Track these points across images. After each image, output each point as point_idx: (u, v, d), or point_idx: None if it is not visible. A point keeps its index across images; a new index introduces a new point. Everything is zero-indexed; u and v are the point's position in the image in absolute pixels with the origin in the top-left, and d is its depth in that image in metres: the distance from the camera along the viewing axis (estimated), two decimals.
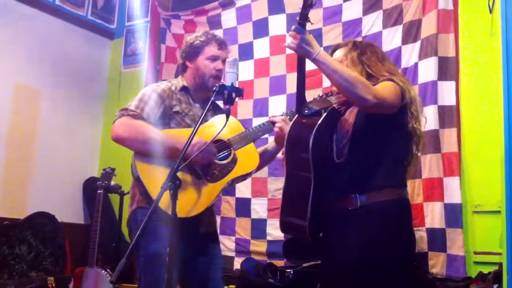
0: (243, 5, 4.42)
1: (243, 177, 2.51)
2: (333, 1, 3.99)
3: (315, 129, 2.03)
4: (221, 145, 2.44)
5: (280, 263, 3.71)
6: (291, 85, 3.98)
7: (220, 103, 2.33)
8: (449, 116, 3.32)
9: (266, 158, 2.60)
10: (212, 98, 2.15)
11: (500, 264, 2.73)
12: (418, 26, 3.53)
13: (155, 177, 2.27)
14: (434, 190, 3.27)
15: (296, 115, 2.16)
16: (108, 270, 3.73)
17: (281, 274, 3.41)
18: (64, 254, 4.46)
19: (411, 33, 3.56)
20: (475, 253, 3.14)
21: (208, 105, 2.11)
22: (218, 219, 3.52)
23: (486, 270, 2.97)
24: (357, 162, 2.11)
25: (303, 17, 1.97)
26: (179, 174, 1.95)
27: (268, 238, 3.96)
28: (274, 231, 3.90)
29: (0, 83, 4.41)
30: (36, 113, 4.72)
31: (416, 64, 3.49)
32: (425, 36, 3.45)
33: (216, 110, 2.62)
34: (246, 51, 4.33)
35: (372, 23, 3.78)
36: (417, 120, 2.15)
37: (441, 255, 3.17)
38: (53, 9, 4.89)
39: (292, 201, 2.12)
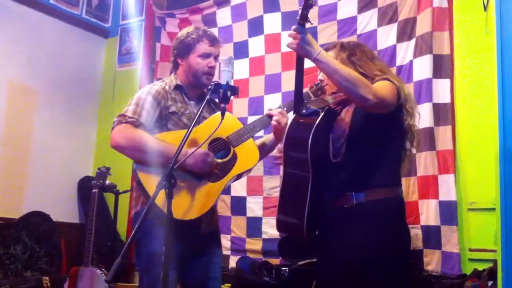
0: (238, 4, 4.41)
1: (246, 173, 2.52)
2: None
3: (313, 129, 2.03)
4: (220, 143, 2.44)
5: (275, 261, 3.71)
6: (287, 83, 3.98)
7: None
8: (444, 114, 3.33)
9: (265, 152, 2.61)
10: (208, 97, 2.15)
11: (495, 261, 2.75)
12: (413, 24, 3.53)
13: (155, 181, 2.28)
14: (429, 187, 3.28)
15: (294, 115, 2.16)
16: (103, 269, 3.73)
17: (276, 272, 3.41)
18: (59, 254, 4.44)
19: (406, 31, 3.57)
20: (470, 250, 3.15)
21: (202, 106, 2.11)
22: None
23: (481, 267, 2.98)
24: (354, 161, 2.11)
25: (303, 17, 1.97)
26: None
27: (264, 236, 3.96)
28: (270, 230, 3.90)
29: None
30: (31, 112, 4.71)
31: (411, 62, 3.49)
32: (420, 34, 3.46)
33: (212, 106, 2.62)
34: (241, 50, 4.33)
35: (367, 21, 3.78)
36: (412, 117, 2.17)
37: (436, 252, 3.18)
38: (48, 8, 4.88)
39: (289, 201, 2.12)
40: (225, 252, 4.03)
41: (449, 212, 3.18)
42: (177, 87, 2.53)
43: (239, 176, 2.50)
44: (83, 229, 4.42)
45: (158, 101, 2.44)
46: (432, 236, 3.21)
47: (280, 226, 2.19)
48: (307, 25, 1.99)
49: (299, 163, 2.05)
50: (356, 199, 2.08)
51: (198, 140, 2.32)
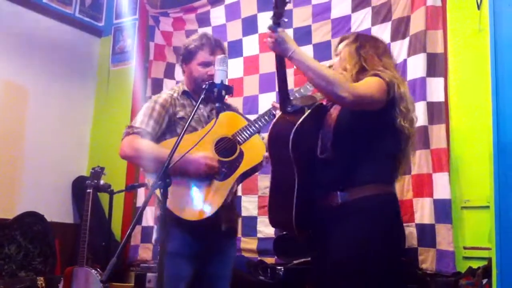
0: (232, 2, 4.41)
1: (252, 170, 2.53)
2: None
3: (296, 125, 2.03)
4: (225, 142, 2.47)
5: (270, 260, 3.71)
6: None
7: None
8: (438, 112, 3.34)
9: None
10: (202, 96, 2.15)
11: (490, 259, 2.75)
12: (407, 23, 3.54)
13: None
14: (424, 186, 3.28)
15: (280, 113, 2.17)
16: (98, 269, 3.72)
17: (271, 271, 3.41)
18: (54, 254, 4.43)
19: (400, 29, 3.58)
20: (465, 248, 3.16)
21: (194, 109, 2.10)
22: None
23: (475, 265, 2.99)
24: (341, 158, 2.09)
25: (278, 15, 1.98)
26: None
27: (259, 235, 3.96)
28: (265, 229, 3.90)
29: None
30: (25, 111, 4.69)
31: (405, 61, 3.50)
32: (414, 32, 3.47)
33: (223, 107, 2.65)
34: (235, 49, 4.32)
35: (361, 20, 3.78)
36: (406, 118, 2.10)
37: (431, 250, 3.19)
38: (41, 7, 4.86)
39: (278, 198, 2.13)
40: None
41: (443, 210, 3.19)
42: (184, 93, 2.60)
43: (249, 174, 2.54)
44: (77, 229, 4.40)
45: (166, 109, 2.51)
46: (426, 235, 3.22)
47: (272, 222, 2.21)
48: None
49: (284, 161, 2.04)
50: (341, 198, 2.05)
51: (206, 143, 2.39)
